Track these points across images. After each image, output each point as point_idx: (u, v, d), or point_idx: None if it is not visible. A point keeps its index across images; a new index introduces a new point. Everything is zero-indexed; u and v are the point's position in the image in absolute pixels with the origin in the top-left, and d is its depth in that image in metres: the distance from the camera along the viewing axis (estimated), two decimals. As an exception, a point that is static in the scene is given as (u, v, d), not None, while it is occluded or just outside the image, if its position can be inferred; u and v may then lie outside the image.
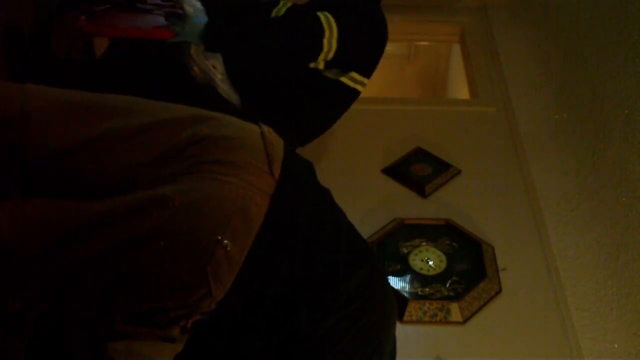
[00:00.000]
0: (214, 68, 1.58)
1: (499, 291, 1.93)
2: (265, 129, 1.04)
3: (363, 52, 1.75)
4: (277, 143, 1.04)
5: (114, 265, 0.88)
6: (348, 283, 1.01)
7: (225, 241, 0.89)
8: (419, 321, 1.85)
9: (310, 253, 0.98)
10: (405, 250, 2.04)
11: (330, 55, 1.61)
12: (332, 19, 1.57)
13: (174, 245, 0.88)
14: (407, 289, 1.92)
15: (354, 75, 1.77)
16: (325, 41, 1.57)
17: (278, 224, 0.95)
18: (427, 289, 1.92)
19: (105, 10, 1.61)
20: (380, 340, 1.08)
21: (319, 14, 1.57)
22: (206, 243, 0.88)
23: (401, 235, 2.09)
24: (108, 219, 0.88)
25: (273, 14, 1.69)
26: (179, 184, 0.91)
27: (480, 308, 1.88)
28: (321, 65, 1.66)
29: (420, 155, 2.41)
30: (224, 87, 1.62)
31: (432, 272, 1.97)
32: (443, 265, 1.98)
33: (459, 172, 2.34)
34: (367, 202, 2.23)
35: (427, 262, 2.00)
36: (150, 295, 0.89)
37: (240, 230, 0.91)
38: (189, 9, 1.50)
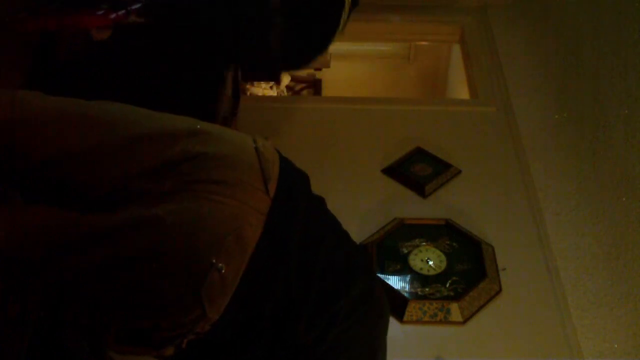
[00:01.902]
0: None
1: (499, 291, 1.93)
2: (260, 143, 1.02)
3: None
4: (273, 158, 1.02)
5: (110, 279, 0.87)
6: (349, 296, 1.00)
7: (220, 264, 0.87)
8: (419, 321, 1.85)
9: (308, 271, 0.97)
10: (405, 250, 2.04)
11: None
12: None
13: (166, 266, 0.86)
14: (407, 289, 1.92)
15: None
16: None
17: (273, 244, 0.93)
18: (427, 289, 1.92)
19: (51, 8, 1.60)
20: (379, 344, 1.07)
21: None
22: (200, 265, 0.87)
23: (401, 235, 2.09)
24: (103, 235, 0.87)
25: None
26: (171, 203, 0.89)
27: (480, 308, 1.88)
28: None
29: (420, 155, 2.41)
30: None
31: (432, 272, 1.97)
32: (443, 265, 1.98)
33: (459, 172, 2.34)
34: (367, 202, 2.23)
35: (427, 262, 2.00)
36: (144, 312, 0.88)
37: (235, 251, 0.89)
38: None
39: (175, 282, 0.87)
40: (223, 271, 0.87)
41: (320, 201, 1.11)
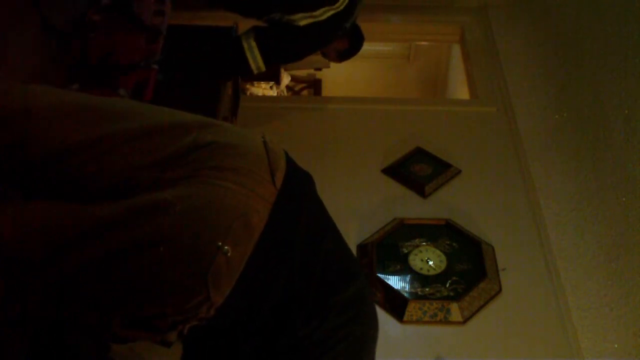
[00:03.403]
0: None
1: (499, 291, 1.93)
2: (268, 138, 1.04)
3: None
4: (279, 153, 1.04)
5: (114, 271, 0.88)
6: (345, 293, 1.02)
7: (226, 247, 0.88)
8: (419, 321, 1.85)
9: (309, 264, 0.99)
10: (405, 250, 2.04)
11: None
12: None
13: (174, 250, 0.87)
14: (407, 289, 1.92)
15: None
16: None
17: (279, 233, 0.95)
18: (427, 289, 1.92)
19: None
20: (368, 350, 1.08)
21: None
22: (207, 248, 0.88)
23: (401, 235, 2.09)
24: (109, 224, 0.88)
25: None
26: (180, 189, 0.91)
27: (480, 308, 1.88)
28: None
29: (420, 155, 2.41)
30: None
31: (432, 272, 1.97)
32: (443, 265, 1.98)
33: (459, 172, 2.34)
34: (367, 202, 2.23)
35: (427, 262, 2.00)
36: (150, 300, 0.89)
37: (241, 236, 0.91)
38: None
39: (182, 265, 0.88)
40: (229, 254, 0.88)
41: (321, 203, 1.12)
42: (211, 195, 0.91)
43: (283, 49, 1.87)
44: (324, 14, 1.76)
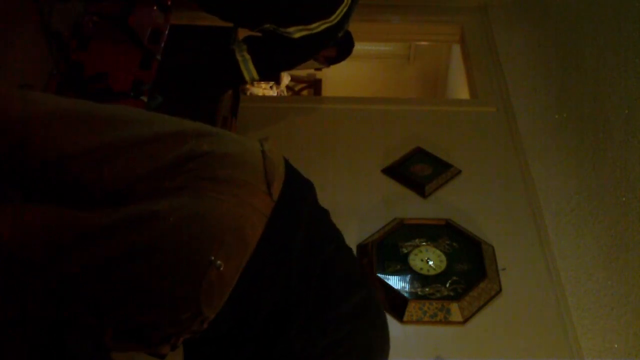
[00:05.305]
0: None
1: (499, 291, 1.93)
2: (267, 147, 1.03)
3: None
4: (278, 162, 1.02)
5: (114, 272, 0.87)
6: (347, 303, 1.01)
7: (219, 261, 0.87)
8: (419, 321, 1.85)
9: (306, 277, 0.97)
10: (405, 250, 2.04)
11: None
12: None
13: (166, 262, 0.87)
14: (407, 289, 1.92)
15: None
16: None
17: (274, 246, 0.94)
18: (427, 289, 1.92)
19: None
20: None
21: None
22: (198, 262, 0.87)
23: (401, 235, 2.09)
24: (104, 232, 0.88)
25: None
26: (175, 199, 0.90)
27: (480, 308, 1.88)
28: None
29: (420, 155, 2.41)
30: None
31: (432, 272, 1.97)
32: (443, 265, 1.98)
33: (459, 172, 2.34)
34: (367, 202, 2.23)
35: (427, 262, 2.00)
36: (142, 309, 0.88)
37: (235, 250, 0.89)
38: None
39: (174, 279, 0.87)
40: (221, 269, 0.87)
41: (324, 212, 1.11)
42: (205, 207, 0.90)
43: (277, 60, 1.89)
44: (319, 27, 1.76)
